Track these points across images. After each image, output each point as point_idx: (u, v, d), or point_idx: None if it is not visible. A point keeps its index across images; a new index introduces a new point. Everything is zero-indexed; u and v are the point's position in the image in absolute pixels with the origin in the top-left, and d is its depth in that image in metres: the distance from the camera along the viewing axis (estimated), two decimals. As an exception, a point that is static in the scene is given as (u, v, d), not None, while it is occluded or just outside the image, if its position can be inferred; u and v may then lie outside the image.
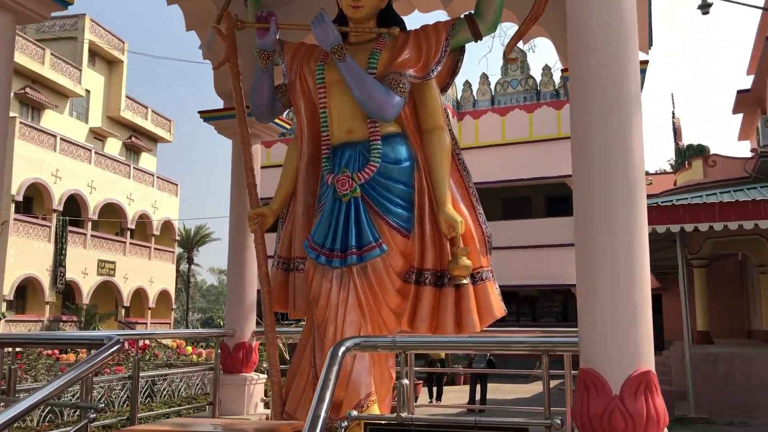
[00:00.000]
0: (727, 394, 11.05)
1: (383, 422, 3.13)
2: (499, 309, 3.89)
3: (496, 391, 19.45)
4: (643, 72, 4.12)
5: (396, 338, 3.19)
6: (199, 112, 5.72)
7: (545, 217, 25.63)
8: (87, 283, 28.07)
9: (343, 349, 2.88)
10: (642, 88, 3.25)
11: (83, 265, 27.55)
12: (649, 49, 4.89)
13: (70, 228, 26.97)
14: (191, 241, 59.66)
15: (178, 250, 60.54)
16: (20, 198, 24.53)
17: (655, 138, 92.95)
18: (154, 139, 37.13)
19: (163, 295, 33.68)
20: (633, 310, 2.74)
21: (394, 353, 4.08)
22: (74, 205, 28.45)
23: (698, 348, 12.89)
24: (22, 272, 24.11)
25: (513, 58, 3.86)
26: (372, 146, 3.83)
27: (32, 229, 25.24)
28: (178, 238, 50.33)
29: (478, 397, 14.87)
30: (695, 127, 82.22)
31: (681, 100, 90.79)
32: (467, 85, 26.54)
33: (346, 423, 2.84)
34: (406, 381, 3.69)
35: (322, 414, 2.53)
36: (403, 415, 3.00)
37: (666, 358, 14.50)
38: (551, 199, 26.39)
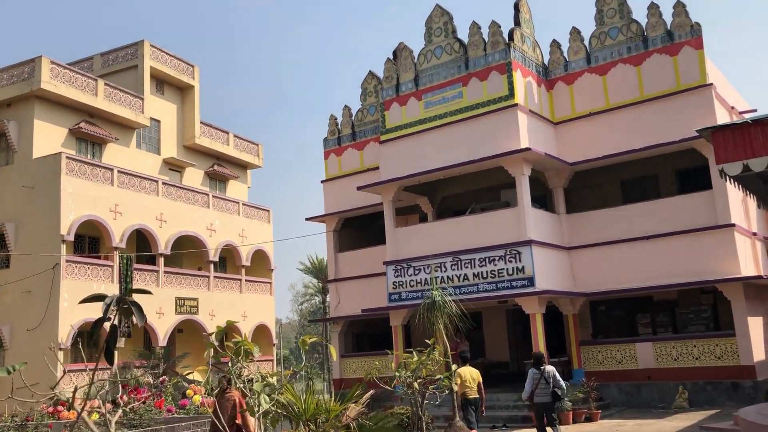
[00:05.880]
0: None
1: None
2: None
3: (613, 430, 14.38)
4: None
5: None
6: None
7: (677, 195, 19.72)
8: (163, 324, 25.93)
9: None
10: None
11: (157, 305, 25.43)
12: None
13: (138, 266, 25.01)
14: (325, 270, 57.49)
15: (312, 280, 58.93)
16: (71, 238, 22.78)
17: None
18: (243, 165, 35.05)
19: (261, 329, 31.12)
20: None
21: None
22: (144, 241, 26.63)
23: None
24: (81, 317, 22.20)
25: None
26: None
27: (90, 270, 23.41)
28: (298, 267, 48.39)
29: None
30: None
31: None
32: (555, 44, 21.48)
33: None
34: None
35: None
36: None
37: None
38: (682, 172, 20.45)
